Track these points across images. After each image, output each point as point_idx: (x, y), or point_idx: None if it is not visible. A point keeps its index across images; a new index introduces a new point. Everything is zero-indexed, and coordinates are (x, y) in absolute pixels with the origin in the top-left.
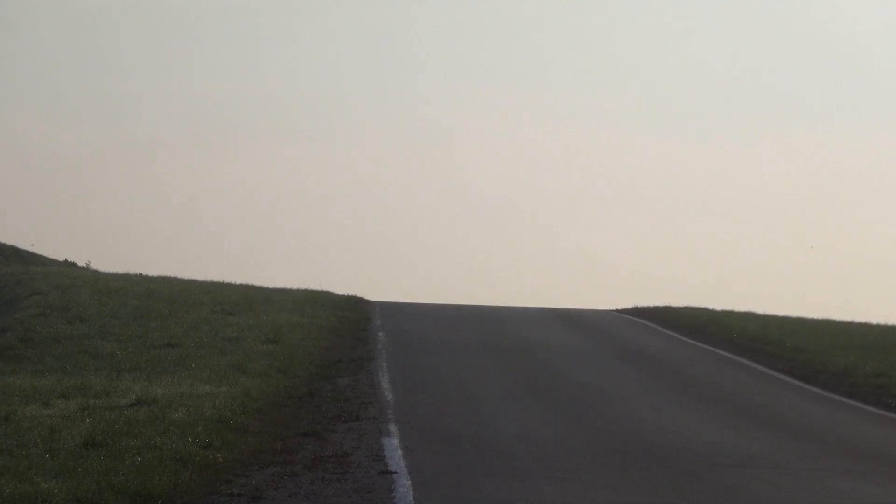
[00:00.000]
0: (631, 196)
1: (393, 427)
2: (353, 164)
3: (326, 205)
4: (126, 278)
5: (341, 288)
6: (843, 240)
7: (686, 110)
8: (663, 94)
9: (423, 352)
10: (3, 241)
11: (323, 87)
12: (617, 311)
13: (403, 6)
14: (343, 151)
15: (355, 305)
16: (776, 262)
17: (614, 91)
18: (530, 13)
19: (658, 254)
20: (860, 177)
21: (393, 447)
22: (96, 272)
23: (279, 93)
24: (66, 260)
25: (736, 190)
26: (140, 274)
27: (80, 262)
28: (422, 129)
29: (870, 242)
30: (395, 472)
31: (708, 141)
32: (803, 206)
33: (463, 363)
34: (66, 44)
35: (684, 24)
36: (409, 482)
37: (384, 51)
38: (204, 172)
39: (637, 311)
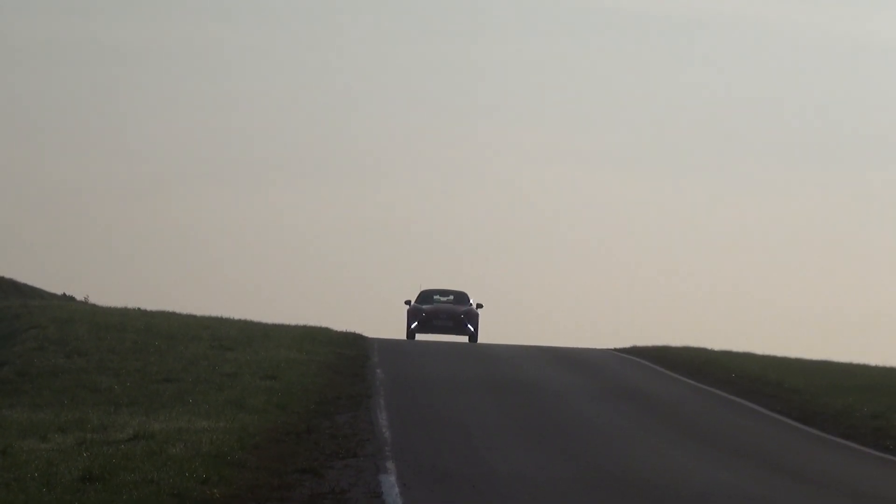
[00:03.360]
0: (630, 236)
1: (390, 464)
2: (348, 204)
3: (322, 242)
4: (124, 313)
5: (339, 324)
6: (840, 281)
7: (686, 153)
8: (663, 137)
9: (421, 389)
10: (2, 274)
11: (323, 128)
12: (615, 350)
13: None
14: (337, 191)
15: (353, 342)
16: (774, 302)
17: (620, 134)
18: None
19: (657, 294)
20: (856, 218)
21: (390, 484)
22: (94, 306)
23: (273, 133)
24: (64, 294)
25: (733, 232)
26: (139, 308)
27: (79, 296)
28: (419, 169)
29: (866, 285)
30: None
31: (707, 183)
32: (800, 248)
33: (460, 401)
34: (69, 77)
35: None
36: None
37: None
38: (203, 210)
39: (635, 351)
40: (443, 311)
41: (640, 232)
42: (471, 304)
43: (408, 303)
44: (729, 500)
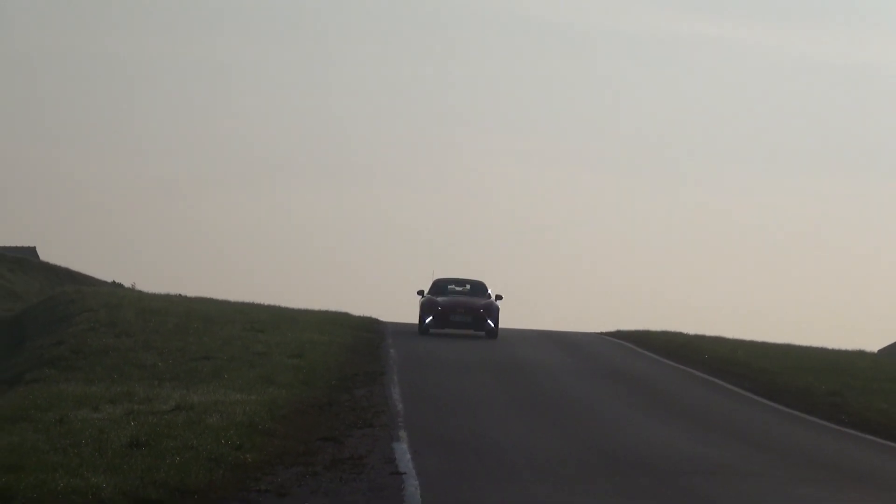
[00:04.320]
0: (619, 234)
1: (403, 433)
2: (364, 203)
3: (343, 237)
4: (167, 299)
5: (358, 310)
6: (803, 272)
7: (669, 163)
8: (645, 147)
9: (430, 368)
10: (59, 263)
11: (340, 132)
12: (601, 333)
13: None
14: (355, 191)
15: (370, 326)
16: (743, 293)
17: (608, 141)
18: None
19: (639, 284)
20: (813, 220)
21: (403, 451)
22: (140, 292)
23: (298, 137)
24: (113, 281)
25: (709, 228)
26: (180, 295)
27: (127, 284)
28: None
29: (824, 279)
30: (405, 474)
31: (691, 191)
32: (770, 241)
33: (465, 378)
34: (118, 89)
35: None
36: (417, 482)
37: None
38: (236, 207)
39: (619, 334)
40: (461, 304)
41: (626, 231)
42: (490, 296)
43: (420, 293)
44: (704, 467)
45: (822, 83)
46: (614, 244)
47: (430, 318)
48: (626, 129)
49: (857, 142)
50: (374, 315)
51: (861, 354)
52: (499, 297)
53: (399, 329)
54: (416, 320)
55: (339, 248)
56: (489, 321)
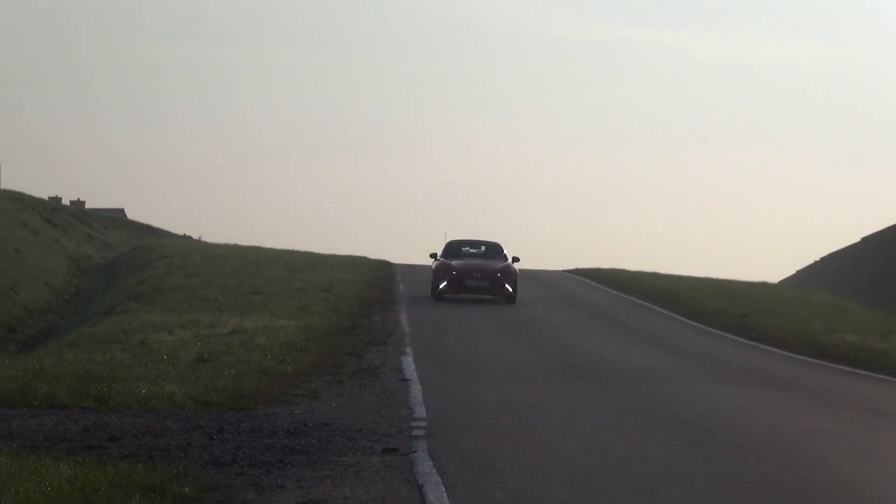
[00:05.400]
0: (579, 191)
1: (408, 349)
2: (381, 169)
3: (363, 196)
4: (226, 247)
5: (374, 253)
6: (721, 221)
7: (630, 138)
8: (611, 125)
9: (429, 299)
10: (142, 220)
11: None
12: (564, 271)
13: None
14: (373, 160)
15: (383, 266)
16: (675, 236)
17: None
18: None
19: (592, 230)
20: (725, 181)
21: (408, 362)
22: (205, 243)
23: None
24: (184, 234)
25: (652, 188)
26: (236, 244)
27: (195, 236)
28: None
29: (738, 223)
30: (410, 380)
31: (626, 151)
32: (695, 198)
33: (458, 307)
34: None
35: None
36: (420, 386)
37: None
38: (282, 173)
39: (577, 272)
40: (476, 268)
41: (584, 191)
42: (506, 259)
43: (433, 256)
44: (641, 372)
45: (736, 78)
46: (575, 201)
47: (445, 283)
48: (592, 114)
49: (760, 121)
50: (387, 258)
51: (765, 285)
52: (515, 260)
53: (406, 269)
54: (421, 261)
55: (359, 205)
56: (507, 286)
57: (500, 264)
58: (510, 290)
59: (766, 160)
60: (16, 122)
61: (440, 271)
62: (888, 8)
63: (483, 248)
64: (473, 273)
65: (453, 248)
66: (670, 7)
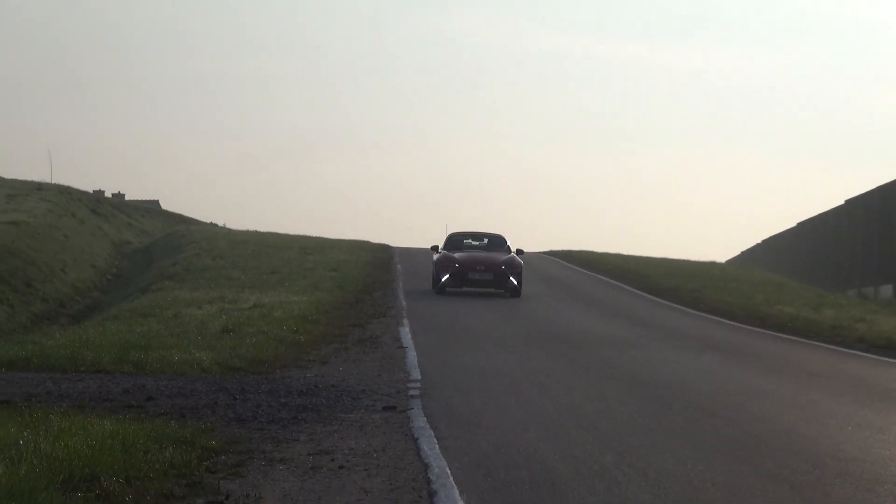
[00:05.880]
0: (554, 182)
1: (405, 321)
2: (385, 165)
3: (367, 188)
4: (248, 233)
5: (375, 238)
6: (673, 209)
7: (599, 136)
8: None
9: (424, 278)
10: (174, 210)
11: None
12: (539, 252)
13: None
14: (379, 156)
15: (384, 249)
16: (635, 221)
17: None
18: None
19: (564, 216)
20: (683, 170)
21: (406, 333)
22: (229, 229)
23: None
24: (211, 222)
25: (615, 180)
26: (256, 230)
27: (220, 223)
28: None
29: (693, 209)
30: (407, 347)
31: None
32: (653, 189)
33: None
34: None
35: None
36: (415, 353)
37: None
38: (300, 167)
39: (551, 253)
40: (480, 260)
41: (557, 182)
42: (510, 251)
43: (434, 249)
44: (607, 341)
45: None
46: (550, 191)
47: (447, 276)
48: (570, 116)
49: (712, 125)
50: (386, 242)
51: (714, 264)
52: (519, 252)
53: (403, 252)
54: (420, 245)
55: (363, 196)
56: (511, 278)
57: (503, 256)
58: (514, 283)
59: (716, 157)
60: (65, 124)
61: (442, 264)
62: (822, 18)
63: (486, 240)
64: (477, 265)
65: (455, 241)
66: (632, 21)
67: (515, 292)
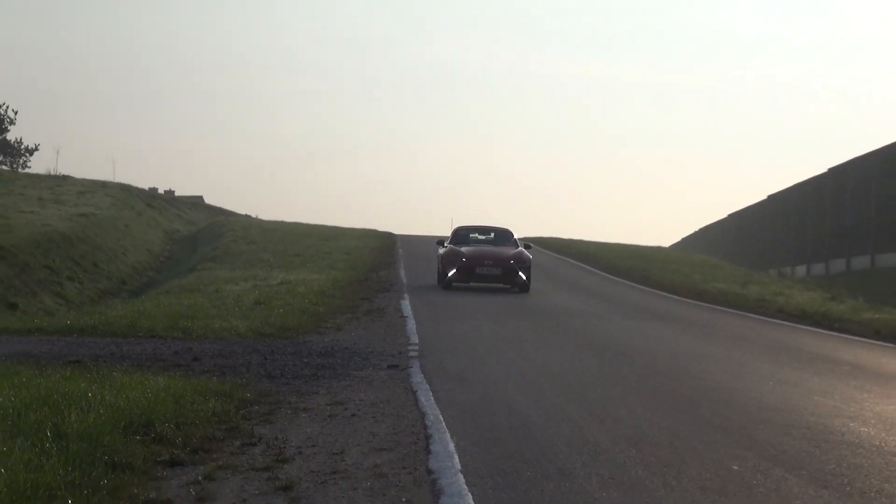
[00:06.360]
0: (524, 173)
1: (406, 296)
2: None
3: (374, 181)
4: (276, 223)
5: (381, 227)
6: (625, 200)
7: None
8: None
9: (421, 259)
10: (215, 204)
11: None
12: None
13: None
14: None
15: (388, 236)
16: (597, 211)
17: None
18: None
19: (536, 206)
20: (615, 160)
21: (406, 305)
22: (261, 220)
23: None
24: (246, 214)
25: (580, 172)
26: (283, 221)
27: (253, 215)
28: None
29: (642, 202)
30: (407, 317)
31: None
32: (608, 183)
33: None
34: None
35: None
36: (414, 322)
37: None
38: (321, 165)
39: (525, 239)
40: (488, 255)
41: (530, 174)
42: (518, 246)
43: (440, 244)
44: (572, 312)
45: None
46: (519, 182)
47: (454, 271)
48: (557, 123)
49: (656, 132)
50: (390, 230)
51: (660, 248)
52: (527, 246)
53: (405, 239)
54: (418, 232)
55: (369, 189)
56: (521, 273)
57: (512, 251)
58: (524, 277)
59: (663, 158)
60: (126, 132)
61: (449, 258)
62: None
63: (492, 234)
64: (485, 260)
65: (461, 235)
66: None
67: (524, 287)
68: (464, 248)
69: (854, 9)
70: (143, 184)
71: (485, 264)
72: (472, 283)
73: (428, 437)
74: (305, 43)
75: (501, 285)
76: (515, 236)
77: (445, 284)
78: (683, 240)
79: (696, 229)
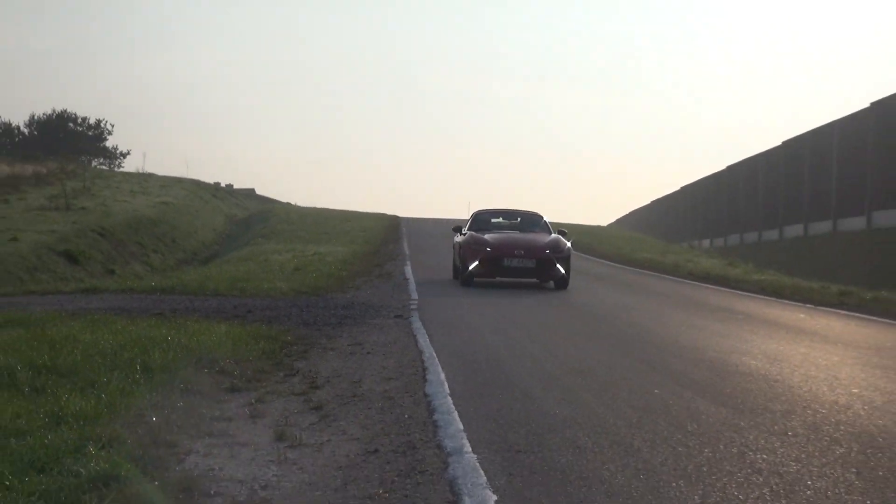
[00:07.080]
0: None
1: (409, 263)
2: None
3: (386, 171)
4: (310, 209)
5: (390, 210)
6: (575, 186)
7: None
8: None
9: (422, 235)
10: (264, 194)
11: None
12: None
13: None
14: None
15: (394, 218)
16: (552, 193)
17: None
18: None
19: (504, 192)
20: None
21: (409, 271)
22: (299, 206)
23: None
24: (288, 202)
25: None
26: (314, 207)
27: (293, 202)
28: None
29: (590, 188)
30: (409, 280)
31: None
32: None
33: (439, 241)
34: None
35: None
36: (415, 284)
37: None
38: (353, 153)
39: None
40: (518, 243)
41: (498, 161)
42: (552, 232)
43: (457, 230)
44: (545, 285)
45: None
46: (476, 167)
47: (475, 263)
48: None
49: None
50: (397, 213)
51: (599, 227)
52: (562, 233)
53: (409, 220)
54: (426, 215)
55: (382, 177)
56: (559, 266)
57: (546, 238)
58: (562, 271)
59: (601, 153)
60: (197, 137)
61: (470, 248)
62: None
63: (518, 218)
64: (514, 250)
65: (482, 220)
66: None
67: (563, 283)
68: (487, 236)
69: None
70: (210, 179)
71: (514, 255)
72: (497, 279)
73: (424, 370)
74: (337, 55)
75: (534, 280)
76: (546, 220)
77: (465, 279)
78: (618, 220)
79: (627, 212)
